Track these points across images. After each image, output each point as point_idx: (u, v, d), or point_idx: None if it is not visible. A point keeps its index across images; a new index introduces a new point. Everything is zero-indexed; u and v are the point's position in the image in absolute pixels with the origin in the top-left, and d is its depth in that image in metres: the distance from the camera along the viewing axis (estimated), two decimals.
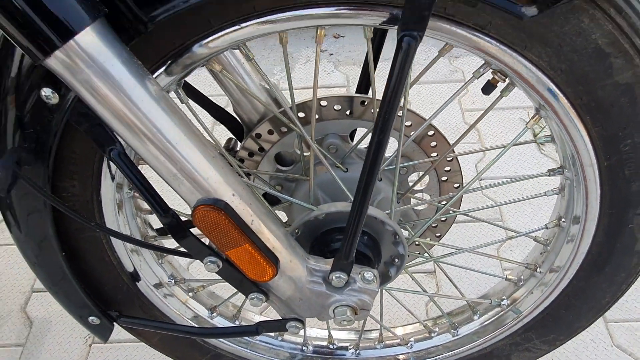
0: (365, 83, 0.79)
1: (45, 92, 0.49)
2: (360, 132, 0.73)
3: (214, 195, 0.51)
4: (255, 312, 0.98)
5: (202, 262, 0.59)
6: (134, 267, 0.74)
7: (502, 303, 0.82)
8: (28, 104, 0.50)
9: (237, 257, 0.54)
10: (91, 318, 0.75)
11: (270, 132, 0.72)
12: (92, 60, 0.42)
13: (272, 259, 0.56)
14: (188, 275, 0.86)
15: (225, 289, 0.92)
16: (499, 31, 0.51)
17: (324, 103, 0.69)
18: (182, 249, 0.59)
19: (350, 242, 0.56)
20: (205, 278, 0.87)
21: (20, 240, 0.66)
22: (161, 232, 0.81)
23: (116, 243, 0.71)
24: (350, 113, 0.70)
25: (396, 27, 0.46)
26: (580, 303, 0.76)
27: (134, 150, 0.50)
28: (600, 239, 0.67)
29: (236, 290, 0.62)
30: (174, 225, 0.55)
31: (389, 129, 0.48)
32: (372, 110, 0.69)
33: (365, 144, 0.62)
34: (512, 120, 1.58)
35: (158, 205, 0.54)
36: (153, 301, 0.79)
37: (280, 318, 0.66)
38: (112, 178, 0.64)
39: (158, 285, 0.80)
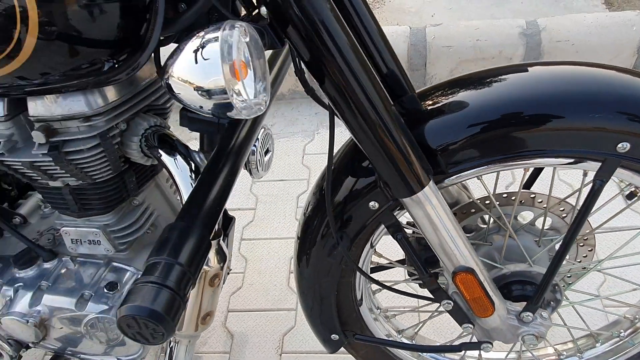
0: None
1: (372, 204, 0.85)
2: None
3: (465, 264, 0.85)
4: (424, 335, 1.31)
5: (440, 303, 0.92)
6: (361, 296, 1.09)
7: (621, 334, 1.12)
8: (357, 206, 0.86)
9: (474, 301, 0.88)
10: (333, 335, 1.10)
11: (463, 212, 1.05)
12: (428, 200, 0.77)
13: (492, 303, 0.89)
14: (385, 305, 1.20)
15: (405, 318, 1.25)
16: None
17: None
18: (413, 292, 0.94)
19: (540, 294, 0.89)
20: (394, 307, 1.21)
21: (306, 276, 1.01)
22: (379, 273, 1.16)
23: (358, 282, 1.06)
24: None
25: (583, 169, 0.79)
26: None
27: (425, 238, 0.84)
28: None
29: (454, 319, 0.95)
30: (429, 281, 0.89)
31: (573, 239, 0.81)
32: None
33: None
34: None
35: (422, 269, 0.88)
36: (367, 322, 1.14)
37: (477, 341, 0.99)
38: (371, 245, 0.99)
39: (370, 310, 1.14)
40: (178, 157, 0.85)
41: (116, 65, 0.70)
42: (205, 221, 0.64)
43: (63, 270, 0.99)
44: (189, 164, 0.85)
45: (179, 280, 0.55)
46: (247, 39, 0.51)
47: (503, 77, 0.83)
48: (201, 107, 0.53)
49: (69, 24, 0.61)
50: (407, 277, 1.13)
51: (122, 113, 0.82)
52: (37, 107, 0.77)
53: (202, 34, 0.52)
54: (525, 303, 0.93)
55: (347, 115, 0.71)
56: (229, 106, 0.53)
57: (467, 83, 0.85)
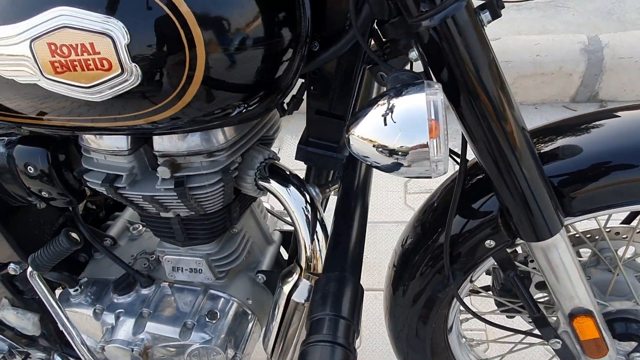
0: None
1: (489, 242, 0.83)
2: None
3: (584, 305, 0.83)
4: None
5: (548, 342, 0.91)
6: (451, 325, 1.08)
7: None
8: (472, 244, 0.85)
9: (588, 342, 0.86)
10: None
11: None
12: (557, 245, 0.75)
13: (607, 345, 0.87)
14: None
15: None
16: None
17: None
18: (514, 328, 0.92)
19: None
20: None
21: (400, 304, 1.01)
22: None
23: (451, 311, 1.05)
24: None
25: None
26: None
27: (546, 280, 0.82)
28: None
29: (559, 357, 0.94)
30: (540, 319, 0.88)
31: None
32: None
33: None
34: None
35: (534, 307, 0.86)
36: (454, 351, 1.12)
37: None
38: (471, 280, 0.98)
39: (458, 338, 1.13)
40: (292, 188, 0.84)
41: (251, 107, 0.70)
42: (353, 267, 0.63)
43: (162, 297, 0.99)
44: (304, 195, 0.84)
45: (347, 335, 0.54)
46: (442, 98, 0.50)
47: (603, 122, 0.82)
48: (378, 163, 0.53)
49: (229, 72, 0.60)
50: (496, 307, 1.12)
51: (241, 147, 0.81)
52: (163, 142, 0.77)
53: (396, 93, 0.52)
54: (634, 343, 0.91)
55: (487, 149, 0.68)
56: (400, 165, 0.53)
57: (570, 127, 0.84)
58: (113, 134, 0.75)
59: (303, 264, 0.84)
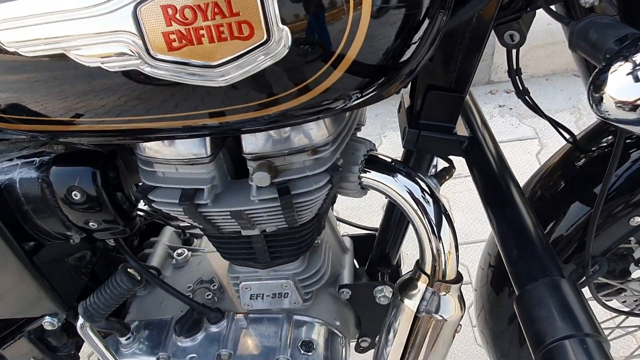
0: None
1: (636, 219, 0.72)
2: None
3: None
4: None
5: None
6: None
7: None
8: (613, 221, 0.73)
9: None
10: None
11: None
12: None
13: None
14: None
15: None
16: None
17: None
18: None
19: None
20: None
21: (504, 305, 0.89)
22: None
23: None
24: None
25: None
26: None
27: None
28: None
29: None
30: None
31: None
32: None
33: None
34: None
35: None
36: None
37: None
38: None
39: None
40: (406, 181, 0.69)
41: (387, 85, 0.54)
42: (551, 263, 0.50)
43: (240, 333, 0.82)
44: (422, 188, 0.69)
45: (604, 355, 0.41)
46: None
47: None
48: None
49: (387, 39, 0.45)
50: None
51: (343, 139, 0.66)
52: (257, 141, 0.61)
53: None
54: None
55: None
56: None
57: None
58: (196, 135, 0.58)
59: (429, 270, 0.70)
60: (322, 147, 0.62)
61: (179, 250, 0.97)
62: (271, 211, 0.65)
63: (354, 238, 1.03)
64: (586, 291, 0.88)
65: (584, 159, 0.79)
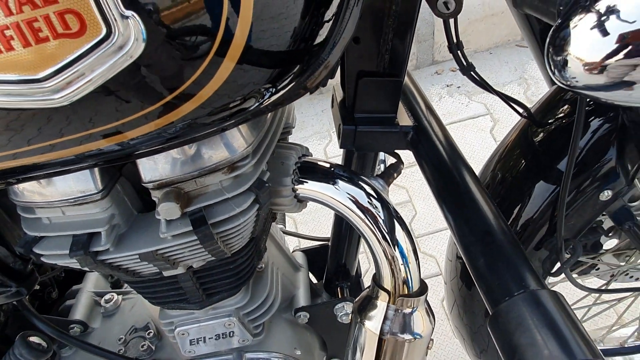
0: None
1: (605, 193, 0.65)
2: None
3: None
4: None
5: None
6: None
7: None
8: (583, 200, 0.66)
9: None
10: None
11: None
12: None
13: None
14: None
15: None
16: None
17: None
18: None
19: None
20: None
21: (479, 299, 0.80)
22: None
23: None
24: None
25: None
26: None
27: None
28: None
29: None
30: None
31: None
32: None
33: None
34: None
35: None
36: None
37: None
38: None
39: None
40: (348, 187, 0.59)
41: (295, 84, 0.44)
42: (529, 272, 0.41)
43: None
44: (367, 193, 0.59)
45: None
46: None
47: None
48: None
49: (279, 35, 0.35)
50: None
51: (267, 149, 0.55)
52: (157, 165, 0.49)
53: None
54: None
55: None
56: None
57: None
58: (75, 168, 0.46)
59: (388, 285, 0.60)
60: (241, 161, 0.51)
61: (107, 296, 0.84)
62: (191, 246, 0.53)
63: (306, 252, 0.93)
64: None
65: (542, 134, 0.72)
